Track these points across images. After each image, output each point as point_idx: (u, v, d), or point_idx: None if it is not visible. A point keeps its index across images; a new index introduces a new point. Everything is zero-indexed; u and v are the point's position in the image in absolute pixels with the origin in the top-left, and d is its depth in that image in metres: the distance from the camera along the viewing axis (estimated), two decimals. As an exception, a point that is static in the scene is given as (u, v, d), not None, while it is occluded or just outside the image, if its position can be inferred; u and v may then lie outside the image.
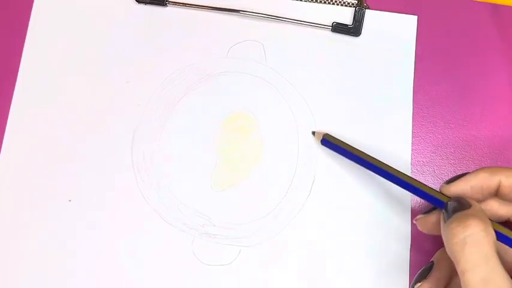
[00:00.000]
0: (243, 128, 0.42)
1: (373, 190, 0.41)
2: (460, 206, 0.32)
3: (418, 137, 0.42)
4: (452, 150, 0.43)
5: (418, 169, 0.42)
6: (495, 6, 0.45)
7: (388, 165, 0.37)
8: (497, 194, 0.34)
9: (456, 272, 0.31)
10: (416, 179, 0.40)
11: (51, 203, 0.41)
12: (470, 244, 0.29)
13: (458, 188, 0.34)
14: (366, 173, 0.41)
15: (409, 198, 0.41)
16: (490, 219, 0.32)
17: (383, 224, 0.41)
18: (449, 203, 0.33)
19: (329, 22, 0.44)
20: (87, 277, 0.40)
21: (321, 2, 0.45)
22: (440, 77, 0.44)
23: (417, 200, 0.41)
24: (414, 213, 0.41)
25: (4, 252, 0.40)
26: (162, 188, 0.41)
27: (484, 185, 0.34)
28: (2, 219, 0.40)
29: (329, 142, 0.40)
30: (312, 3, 0.45)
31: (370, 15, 0.44)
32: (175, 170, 0.41)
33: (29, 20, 0.44)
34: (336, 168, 0.42)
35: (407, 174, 0.36)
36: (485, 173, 0.34)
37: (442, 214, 0.33)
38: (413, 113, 0.43)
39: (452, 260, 0.30)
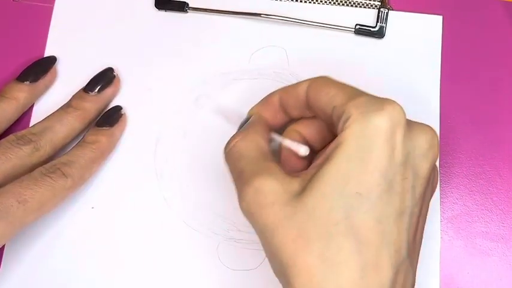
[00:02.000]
0: (267, 133, 0.44)
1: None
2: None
3: (445, 139, 0.44)
4: (481, 152, 0.44)
5: (447, 171, 0.43)
6: (522, 4, 0.46)
7: None
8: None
9: None
10: (446, 181, 0.42)
11: (74, 210, 0.43)
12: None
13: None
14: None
15: (438, 201, 0.42)
16: None
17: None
18: None
19: (352, 24, 0.46)
20: (111, 285, 0.41)
21: (343, 4, 0.47)
22: (467, 78, 0.45)
23: (446, 204, 0.43)
24: (442, 215, 0.42)
25: (27, 258, 0.42)
26: (186, 194, 0.43)
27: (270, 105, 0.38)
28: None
29: None
30: (333, 6, 0.46)
31: (393, 16, 0.46)
32: (198, 175, 0.43)
33: (48, 28, 0.47)
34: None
35: None
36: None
37: None
38: (440, 115, 0.44)
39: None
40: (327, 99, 0.34)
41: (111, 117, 0.43)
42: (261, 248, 0.40)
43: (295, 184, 0.32)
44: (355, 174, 0.30)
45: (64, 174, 0.38)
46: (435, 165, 0.35)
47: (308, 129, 0.37)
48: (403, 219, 0.31)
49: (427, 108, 0.44)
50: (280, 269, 0.31)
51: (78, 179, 0.39)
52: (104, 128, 0.42)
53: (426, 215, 0.36)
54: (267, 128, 0.38)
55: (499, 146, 0.44)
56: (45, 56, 0.46)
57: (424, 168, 0.33)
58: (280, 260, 0.30)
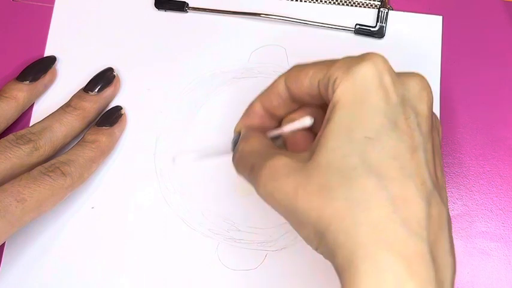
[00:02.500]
0: (267, 132, 0.44)
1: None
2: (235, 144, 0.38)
3: (445, 139, 0.44)
4: (481, 152, 0.44)
5: (447, 171, 0.43)
6: (522, 4, 0.46)
7: None
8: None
9: None
10: (446, 181, 0.42)
11: (74, 210, 0.43)
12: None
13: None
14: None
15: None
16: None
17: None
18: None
19: (351, 24, 0.46)
20: (111, 284, 0.42)
21: (343, 4, 0.47)
22: (467, 78, 0.45)
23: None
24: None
25: (27, 258, 0.42)
26: (186, 194, 0.43)
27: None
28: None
29: None
30: (333, 5, 0.47)
31: (393, 16, 0.46)
32: (198, 175, 0.44)
33: (48, 27, 0.47)
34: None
35: None
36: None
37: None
38: (440, 115, 0.44)
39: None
40: (308, 80, 0.34)
41: (111, 117, 0.43)
42: (261, 248, 0.41)
43: (304, 155, 0.32)
44: (357, 122, 0.31)
45: (63, 173, 0.39)
46: (434, 113, 0.35)
47: (299, 115, 0.37)
48: (418, 154, 0.31)
49: (427, 108, 0.45)
50: (312, 230, 0.30)
51: (77, 178, 0.40)
52: (104, 127, 0.43)
53: (440, 153, 0.36)
54: (262, 133, 0.38)
55: (499, 146, 0.44)
56: (45, 55, 0.46)
57: (422, 108, 0.33)
58: (309, 221, 0.30)
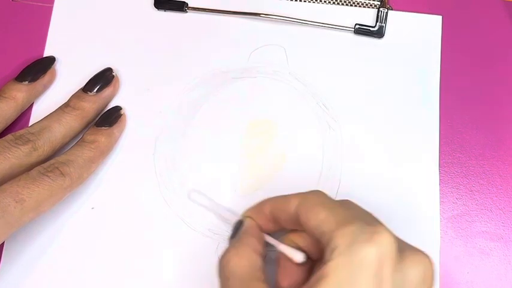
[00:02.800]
0: (266, 132, 0.44)
1: (400, 193, 0.43)
2: (234, 232, 0.38)
3: (445, 139, 0.44)
4: (481, 151, 0.44)
5: (447, 170, 0.43)
6: (522, 4, 0.47)
7: None
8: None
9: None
10: (446, 181, 0.42)
11: (74, 211, 0.43)
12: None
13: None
14: (394, 176, 0.43)
15: (438, 201, 0.43)
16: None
17: (410, 228, 0.42)
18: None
19: (351, 24, 0.46)
20: (110, 285, 0.42)
21: (342, 3, 0.47)
22: (467, 78, 0.45)
23: (445, 203, 0.43)
24: (442, 215, 0.43)
25: (27, 258, 0.42)
26: (186, 194, 0.43)
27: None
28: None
29: None
30: (333, 5, 0.47)
31: (393, 16, 0.46)
32: (198, 175, 0.44)
33: (48, 28, 0.47)
34: (362, 171, 0.43)
35: None
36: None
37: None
38: (440, 115, 0.45)
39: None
40: (316, 223, 0.33)
41: (111, 117, 0.43)
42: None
43: None
44: None
45: (62, 174, 0.39)
46: None
47: (303, 239, 0.36)
48: None
49: (426, 107, 0.45)
50: None
51: (76, 178, 0.40)
52: (103, 127, 0.43)
53: None
54: (260, 236, 0.37)
55: (499, 145, 0.44)
56: (44, 55, 0.46)
57: None
58: None
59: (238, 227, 0.38)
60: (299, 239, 0.37)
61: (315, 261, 0.37)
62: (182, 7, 0.47)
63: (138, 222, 0.43)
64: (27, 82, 0.43)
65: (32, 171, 0.38)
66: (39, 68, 0.44)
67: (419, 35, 0.46)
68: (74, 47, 0.46)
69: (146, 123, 0.45)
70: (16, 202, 0.36)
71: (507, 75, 0.45)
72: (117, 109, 0.44)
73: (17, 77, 0.43)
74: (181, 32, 0.47)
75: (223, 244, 0.42)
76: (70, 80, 0.45)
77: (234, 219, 0.39)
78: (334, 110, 0.45)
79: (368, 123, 0.44)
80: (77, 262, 0.42)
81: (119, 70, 0.45)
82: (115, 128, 0.43)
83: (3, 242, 0.42)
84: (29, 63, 0.44)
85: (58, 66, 0.46)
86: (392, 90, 0.45)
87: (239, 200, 0.43)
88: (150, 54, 0.46)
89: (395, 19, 0.46)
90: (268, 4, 0.47)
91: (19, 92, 0.42)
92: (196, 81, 0.45)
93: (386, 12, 0.46)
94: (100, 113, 0.44)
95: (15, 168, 0.39)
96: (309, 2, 0.47)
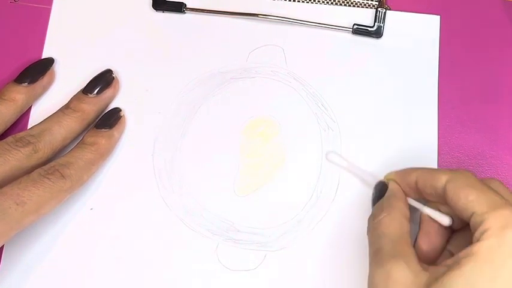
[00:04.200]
0: (265, 132, 0.45)
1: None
2: (378, 194, 0.40)
3: (444, 138, 0.44)
4: (479, 151, 0.44)
5: (445, 170, 0.44)
6: (519, 3, 0.47)
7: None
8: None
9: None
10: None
11: (73, 212, 0.43)
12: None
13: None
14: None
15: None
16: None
17: (410, 227, 0.43)
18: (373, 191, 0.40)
19: (349, 24, 0.46)
20: (110, 285, 0.42)
21: (340, 4, 0.47)
22: (465, 78, 0.46)
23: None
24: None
25: (27, 260, 0.42)
26: (185, 195, 0.43)
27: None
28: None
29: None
30: (331, 6, 0.47)
31: (391, 16, 0.47)
32: (197, 176, 0.44)
33: (46, 29, 0.47)
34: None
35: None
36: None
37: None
38: (438, 115, 0.45)
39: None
40: (466, 202, 0.34)
41: (111, 119, 0.44)
42: (260, 248, 0.41)
43: (423, 278, 0.33)
44: (485, 285, 0.30)
45: (62, 176, 0.39)
46: None
47: (445, 208, 0.37)
48: None
49: (425, 107, 0.45)
50: None
51: (76, 180, 0.40)
52: (103, 129, 0.43)
53: None
54: (406, 200, 0.39)
55: (497, 145, 0.44)
56: (42, 57, 0.46)
57: None
58: None
59: (381, 189, 0.39)
60: (442, 207, 0.38)
61: (454, 231, 0.38)
62: (180, 8, 0.47)
63: (137, 223, 0.43)
64: (26, 84, 0.43)
65: (32, 173, 0.38)
66: (39, 70, 0.44)
67: (417, 35, 0.46)
68: (72, 48, 0.47)
69: (145, 124, 0.45)
70: (17, 204, 0.36)
71: (506, 75, 0.46)
72: (116, 111, 0.44)
73: (16, 78, 0.43)
74: (179, 32, 0.47)
75: (223, 244, 0.42)
76: (68, 81, 0.46)
77: (372, 180, 0.41)
78: (332, 110, 0.45)
79: (367, 123, 0.45)
80: (76, 263, 0.42)
81: (117, 71, 0.46)
82: (115, 130, 0.43)
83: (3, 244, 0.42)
84: (27, 65, 0.44)
85: (56, 67, 0.46)
86: (391, 90, 0.45)
87: (236, 200, 0.43)
88: (149, 55, 0.46)
89: (394, 19, 0.47)
90: (267, 5, 0.47)
91: (18, 94, 0.43)
92: (194, 81, 0.46)
93: (385, 12, 0.46)
94: (100, 115, 0.44)
95: (15, 170, 0.39)
96: (307, 2, 0.47)
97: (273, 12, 0.46)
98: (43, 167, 0.39)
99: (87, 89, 0.44)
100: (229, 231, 0.43)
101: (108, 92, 0.44)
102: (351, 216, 0.43)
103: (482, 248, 0.31)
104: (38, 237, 0.43)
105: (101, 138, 0.42)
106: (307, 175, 0.44)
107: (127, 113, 0.45)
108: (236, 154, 0.44)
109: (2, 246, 0.42)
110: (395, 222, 0.36)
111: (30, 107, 0.45)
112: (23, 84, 0.43)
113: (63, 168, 0.39)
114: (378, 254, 0.35)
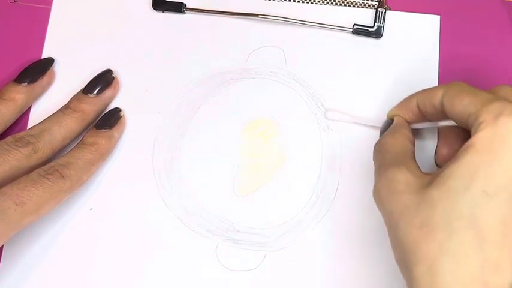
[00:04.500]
0: (265, 133, 0.45)
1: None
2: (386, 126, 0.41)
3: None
4: (480, 151, 0.44)
5: (445, 170, 0.44)
6: (520, 4, 0.47)
7: None
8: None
9: None
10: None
11: (73, 212, 0.43)
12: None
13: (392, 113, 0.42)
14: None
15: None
16: None
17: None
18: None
19: (349, 24, 0.46)
20: (110, 285, 0.42)
21: (340, 4, 0.47)
22: (465, 78, 0.45)
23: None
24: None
25: (26, 260, 0.42)
26: (184, 195, 0.43)
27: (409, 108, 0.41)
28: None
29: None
30: (331, 6, 0.47)
31: (391, 16, 0.47)
32: (197, 176, 0.44)
33: (46, 29, 0.47)
34: (361, 171, 0.44)
35: None
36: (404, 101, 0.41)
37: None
38: (438, 115, 0.45)
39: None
40: (462, 107, 0.35)
41: (110, 119, 0.44)
42: (260, 248, 0.41)
43: (426, 178, 0.34)
44: (483, 173, 0.31)
45: (62, 176, 0.39)
46: None
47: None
48: None
49: (425, 107, 0.45)
50: (402, 255, 0.33)
51: (76, 181, 0.40)
52: (103, 130, 0.43)
53: None
54: (409, 129, 0.40)
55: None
56: (42, 57, 0.46)
57: None
58: (403, 247, 0.32)
59: (387, 126, 0.41)
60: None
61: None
62: (180, 8, 0.47)
63: (136, 223, 0.43)
64: (26, 84, 0.43)
65: (32, 173, 0.38)
66: (38, 70, 0.44)
67: (417, 35, 0.46)
68: (72, 48, 0.47)
69: (145, 124, 0.45)
70: (16, 205, 0.36)
71: (506, 75, 0.46)
72: (116, 111, 0.44)
73: (16, 78, 0.43)
74: (179, 33, 0.47)
75: (222, 245, 0.42)
76: (68, 81, 0.46)
77: (378, 123, 0.43)
78: (333, 109, 0.45)
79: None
80: (76, 263, 0.42)
81: (117, 71, 0.46)
82: (115, 130, 0.43)
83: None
84: (27, 65, 0.44)
85: (56, 67, 0.46)
86: (391, 90, 0.45)
87: (236, 201, 0.43)
88: (149, 55, 0.46)
89: (394, 19, 0.47)
90: (267, 5, 0.47)
91: (18, 94, 0.43)
92: (194, 82, 0.46)
93: (385, 12, 0.46)
94: (100, 115, 0.44)
95: (15, 170, 0.39)
96: (307, 2, 0.47)
97: (273, 12, 0.46)
98: (43, 167, 0.39)
99: (87, 89, 0.44)
100: (229, 231, 0.43)
101: (108, 92, 0.44)
102: (350, 216, 0.43)
103: (479, 138, 0.32)
104: (37, 237, 0.43)
105: (100, 138, 0.42)
106: (307, 175, 0.44)
107: (127, 113, 0.45)
108: (236, 154, 0.44)
109: (2, 246, 0.42)
110: (399, 142, 0.38)
111: (30, 106, 0.45)
112: (23, 84, 0.43)
113: (63, 168, 0.39)
114: (381, 167, 0.37)
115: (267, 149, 0.44)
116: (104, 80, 0.44)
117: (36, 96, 0.45)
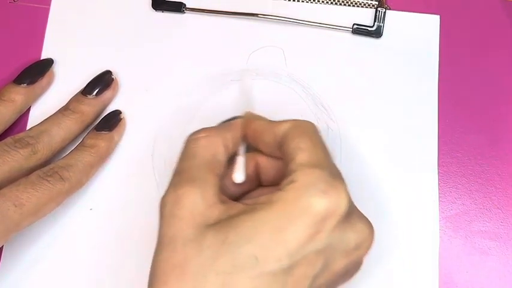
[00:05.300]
0: (265, 133, 0.45)
1: (399, 192, 0.43)
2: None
3: (444, 138, 0.44)
4: (479, 151, 0.44)
5: (445, 170, 0.44)
6: (520, 3, 0.47)
7: None
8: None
9: None
10: (445, 181, 0.43)
11: (73, 212, 0.43)
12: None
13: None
14: (391, 178, 0.43)
15: (437, 200, 0.43)
16: None
17: (409, 227, 0.43)
18: None
19: (349, 24, 0.46)
20: (109, 285, 0.42)
21: (340, 4, 0.47)
22: (465, 78, 0.46)
23: (444, 203, 0.43)
24: (441, 215, 0.43)
25: (26, 260, 0.42)
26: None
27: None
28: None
29: None
30: (331, 6, 0.47)
31: (391, 16, 0.47)
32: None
33: (45, 29, 0.47)
34: (361, 171, 0.44)
35: None
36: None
37: None
38: (438, 115, 0.45)
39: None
40: (295, 148, 0.33)
41: (111, 122, 0.44)
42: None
43: (215, 212, 0.32)
44: (264, 238, 0.30)
45: (62, 178, 0.39)
46: (359, 261, 0.35)
47: (268, 163, 0.37)
48: None
49: (425, 107, 0.45)
50: (150, 277, 0.32)
51: (75, 183, 0.40)
52: (103, 132, 0.43)
53: None
54: (237, 135, 0.37)
55: (497, 145, 0.44)
56: (42, 57, 0.46)
57: (339, 264, 0.32)
58: (154, 273, 0.31)
59: (232, 119, 0.38)
60: (264, 159, 0.37)
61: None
62: (180, 8, 0.47)
63: (137, 223, 0.43)
64: (25, 85, 0.43)
65: (31, 175, 0.38)
66: (38, 71, 0.44)
67: (417, 35, 0.46)
68: (71, 49, 0.47)
69: (145, 124, 0.45)
70: (15, 206, 0.36)
71: (505, 75, 0.46)
72: (116, 113, 0.44)
73: (15, 79, 0.43)
74: (179, 33, 0.47)
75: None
76: (67, 82, 0.46)
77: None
78: (332, 110, 0.45)
79: (367, 123, 0.45)
80: (76, 263, 0.42)
81: (117, 71, 0.46)
82: (115, 133, 0.43)
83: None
84: (26, 65, 0.44)
85: (55, 67, 0.46)
86: (391, 90, 0.45)
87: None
88: (148, 55, 0.46)
89: (393, 19, 0.47)
90: (267, 5, 0.47)
91: (17, 95, 0.43)
92: (195, 82, 0.46)
93: (384, 12, 0.46)
94: (99, 116, 0.44)
95: (14, 171, 0.39)
96: (307, 2, 0.47)
97: (273, 12, 0.46)
98: (42, 169, 0.39)
99: (87, 90, 0.44)
100: (229, 231, 0.43)
101: (107, 93, 0.44)
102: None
103: (281, 198, 0.31)
104: (37, 237, 0.43)
105: (100, 140, 0.42)
106: (307, 175, 0.44)
107: (127, 113, 0.45)
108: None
109: (2, 246, 0.42)
110: (210, 147, 0.35)
111: (30, 107, 0.45)
112: (22, 85, 0.43)
113: (62, 170, 0.39)
114: (178, 175, 0.34)
115: (267, 149, 0.44)
116: (103, 81, 0.44)
117: (35, 97, 0.45)
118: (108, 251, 0.43)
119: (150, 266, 0.41)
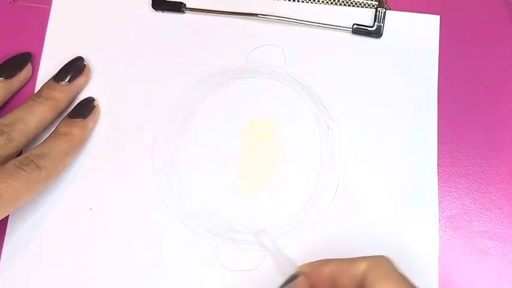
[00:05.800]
0: (265, 133, 0.45)
1: (399, 192, 0.43)
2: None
3: (444, 138, 0.44)
4: (480, 151, 0.44)
5: (445, 170, 0.44)
6: (519, 3, 0.47)
7: None
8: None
9: None
10: (445, 180, 0.43)
11: (72, 212, 0.43)
12: None
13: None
14: (392, 176, 0.43)
15: (437, 200, 0.43)
16: None
17: (409, 228, 0.43)
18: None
19: (349, 24, 0.46)
20: (108, 285, 0.42)
21: (340, 3, 0.47)
22: (465, 78, 0.46)
23: (444, 203, 0.43)
24: (441, 215, 0.43)
25: (26, 260, 0.42)
26: (184, 195, 0.43)
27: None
28: (22, 226, 0.43)
29: None
30: (331, 5, 0.47)
31: (391, 16, 0.47)
32: (196, 176, 0.44)
33: (46, 29, 0.47)
34: (361, 171, 0.44)
35: None
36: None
37: None
38: (438, 114, 0.45)
39: None
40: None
41: (84, 109, 0.43)
42: (260, 248, 0.41)
43: None
44: None
45: (38, 167, 0.38)
46: None
47: None
48: None
49: (425, 107, 0.45)
50: None
51: (51, 171, 0.39)
52: (77, 119, 0.43)
53: None
54: None
55: (497, 145, 0.44)
56: (42, 57, 0.46)
57: None
58: None
59: (291, 280, 0.37)
60: None
61: None
62: (180, 8, 0.47)
63: (136, 223, 0.43)
64: (2, 79, 0.43)
65: (7, 165, 0.38)
66: (16, 65, 0.44)
67: (417, 35, 0.46)
68: (71, 48, 0.46)
69: (144, 124, 0.45)
70: None
71: (506, 75, 0.46)
72: (89, 100, 0.44)
73: None
74: (179, 32, 0.47)
75: (223, 245, 0.42)
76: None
77: (290, 270, 0.38)
78: (332, 110, 0.45)
79: (366, 123, 0.45)
80: (75, 263, 0.42)
81: (116, 70, 0.46)
82: (89, 120, 0.43)
83: (2, 243, 0.42)
84: (4, 60, 0.44)
85: (55, 66, 0.46)
86: (391, 90, 0.45)
87: (236, 201, 0.43)
88: (148, 55, 0.46)
89: (393, 19, 0.47)
90: (266, 5, 0.47)
91: None
92: (194, 81, 0.46)
93: (384, 12, 0.46)
94: (71, 103, 0.44)
95: None
96: (307, 2, 0.47)
97: (273, 12, 0.46)
98: (17, 158, 0.39)
99: (59, 77, 0.44)
100: (229, 231, 0.43)
101: (80, 80, 0.44)
102: (350, 217, 0.43)
103: None
104: (37, 237, 0.43)
105: (75, 128, 0.42)
106: (306, 175, 0.44)
107: (126, 112, 0.45)
108: (236, 154, 0.44)
109: (1, 245, 0.42)
110: None
111: (7, 101, 0.45)
112: (0, 79, 0.43)
113: (38, 159, 0.39)
114: None
115: (267, 148, 0.44)
116: (75, 67, 0.44)
117: (12, 91, 0.44)
118: (108, 251, 0.42)
119: (150, 266, 0.41)
